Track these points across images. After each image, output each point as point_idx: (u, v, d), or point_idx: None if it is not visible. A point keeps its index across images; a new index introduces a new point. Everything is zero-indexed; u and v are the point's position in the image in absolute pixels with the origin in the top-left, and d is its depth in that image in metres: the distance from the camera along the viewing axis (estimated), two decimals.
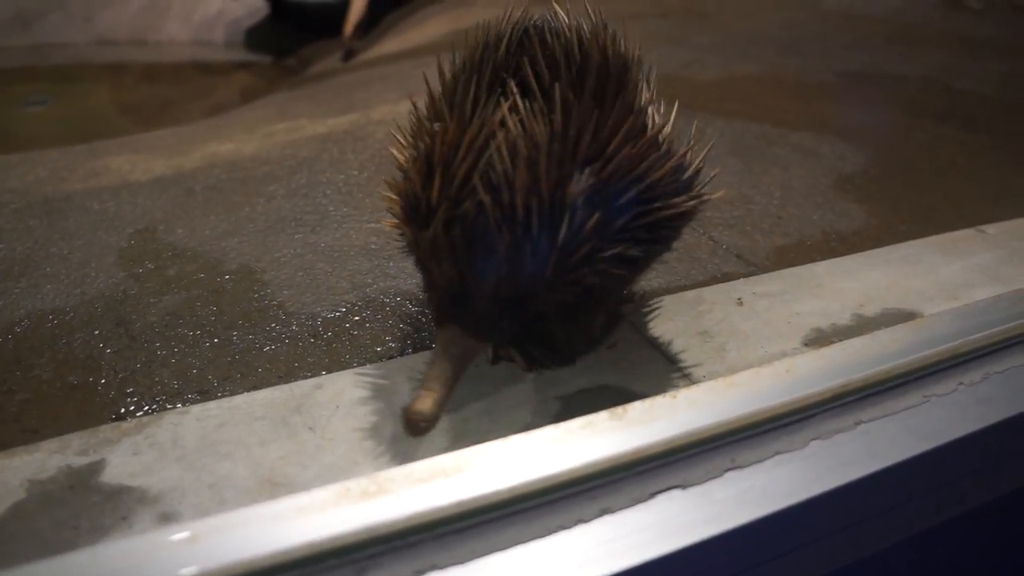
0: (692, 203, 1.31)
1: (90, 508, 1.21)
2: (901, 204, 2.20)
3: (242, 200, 2.22)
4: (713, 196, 1.39)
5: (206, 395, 1.52)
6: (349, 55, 4.47)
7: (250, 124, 3.02)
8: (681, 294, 1.73)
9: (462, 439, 1.29)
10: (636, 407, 1.17)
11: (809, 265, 1.86)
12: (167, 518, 1.18)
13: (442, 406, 1.08)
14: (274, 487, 1.23)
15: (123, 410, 1.48)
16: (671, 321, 1.62)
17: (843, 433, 1.13)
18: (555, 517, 1.01)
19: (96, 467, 1.30)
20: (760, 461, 1.08)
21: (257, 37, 5.01)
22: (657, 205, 1.22)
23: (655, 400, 1.16)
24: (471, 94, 1.18)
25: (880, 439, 1.13)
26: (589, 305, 1.42)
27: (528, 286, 1.13)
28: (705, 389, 1.19)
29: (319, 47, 4.81)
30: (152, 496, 1.23)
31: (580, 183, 1.11)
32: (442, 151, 1.15)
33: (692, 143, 1.38)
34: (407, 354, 1.58)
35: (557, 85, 1.14)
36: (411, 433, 1.06)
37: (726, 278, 1.82)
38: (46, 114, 4.32)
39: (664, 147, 1.27)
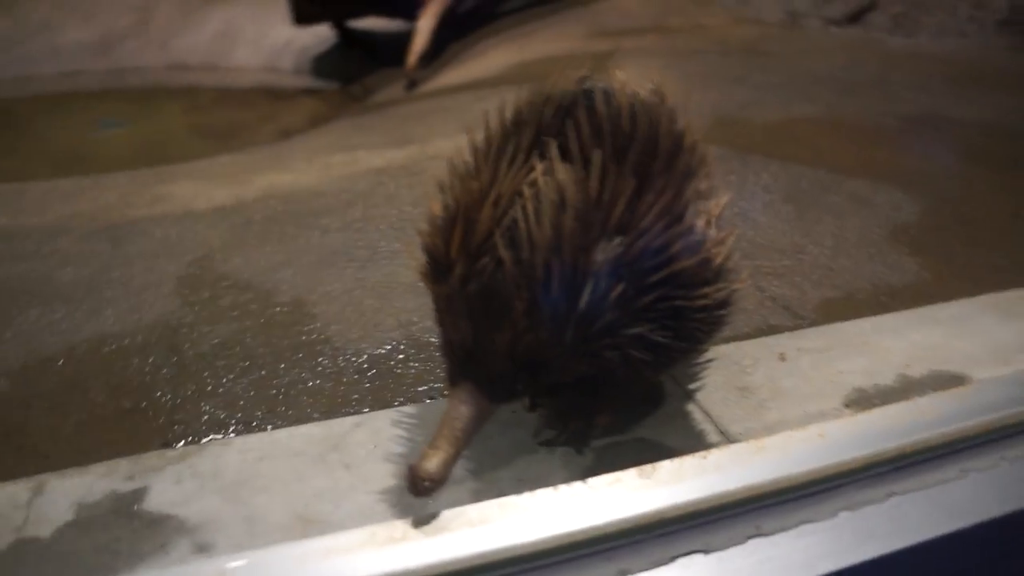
0: (717, 295, 1.26)
1: (131, 534, 1.26)
2: (956, 259, 2.16)
3: (297, 232, 2.28)
4: (736, 286, 1.35)
5: (250, 427, 1.56)
6: (412, 84, 4.56)
7: (310, 154, 3.10)
8: (724, 347, 1.73)
9: (493, 485, 1.30)
10: (665, 466, 1.17)
11: (856, 321, 1.83)
12: (202, 549, 1.22)
13: (449, 467, 1.07)
14: (306, 524, 1.26)
15: (170, 437, 1.53)
16: (712, 374, 1.62)
17: (873, 505, 1.12)
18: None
19: (140, 494, 1.35)
20: (785, 530, 1.07)
21: (325, 64, 5.13)
22: (680, 292, 1.19)
23: (684, 460, 1.17)
24: (509, 152, 1.20)
25: (911, 514, 1.11)
26: (611, 389, 1.39)
27: (545, 350, 1.11)
28: (735, 452, 1.19)
29: (384, 75, 4.91)
30: (190, 526, 1.27)
31: (607, 251, 1.09)
32: (467, 205, 1.15)
33: (724, 235, 1.34)
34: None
35: (597, 152, 1.14)
36: (414, 493, 1.05)
37: (771, 331, 1.81)
38: (120, 136, 4.49)
39: (698, 236, 1.24)
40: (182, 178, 2.81)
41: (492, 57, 4.77)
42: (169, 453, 1.45)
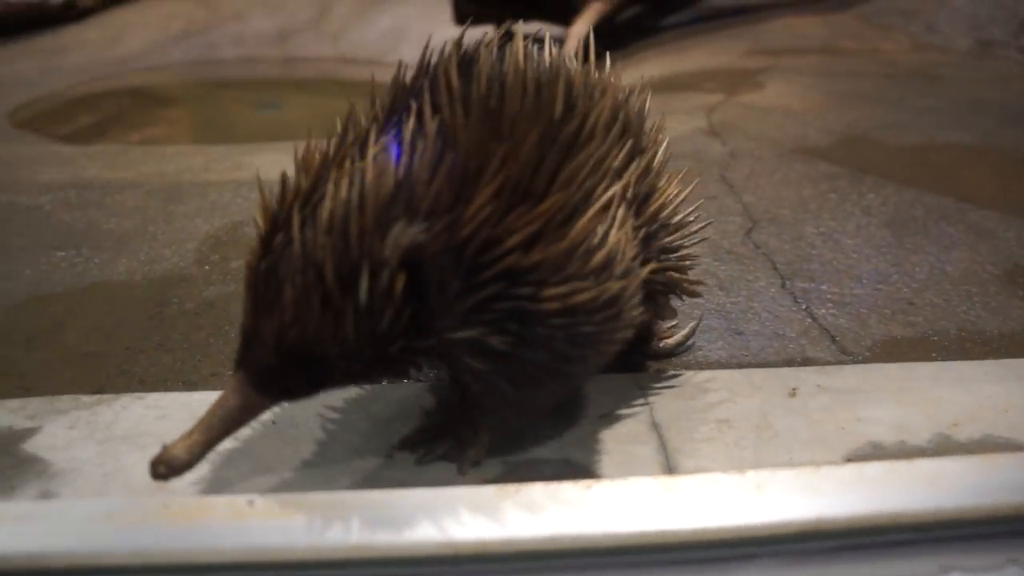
0: (578, 297, 1.01)
1: (8, 468, 1.19)
2: None
3: None
4: (622, 284, 1.08)
5: (192, 386, 1.48)
6: None
7: None
8: (730, 371, 1.46)
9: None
10: (532, 490, 0.96)
11: (912, 364, 1.50)
12: (46, 496, 1.13)
13: (195, 454, 0.94)
14: (159, 489, 1.14)
15: (106, 385, 1.46)
16: (694, 400, 1.36)
17: None
18: None
19: (29, 433, 1.29)
20: None
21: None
22: (524, 291, 0.97)
23: (553, 486, 0.95)
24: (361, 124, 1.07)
25: None
26: (469, 411, 1.17)
27: (314, 346, 0.95)
28: (627, 487, 0.96)
29: None
30: (52, 472, 1.19)
31: (402, 236, 0.92)
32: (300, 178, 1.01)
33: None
34: None
35: (440, 115, 0.99)
36: (152, 476, 0.92)
37: (805, 364, 1.51)
38: (273, 117, 4.67)
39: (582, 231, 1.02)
40: (274, 152, 2.81)
41: (644, 68, 4.53)
42: (84, 399, 1.38)
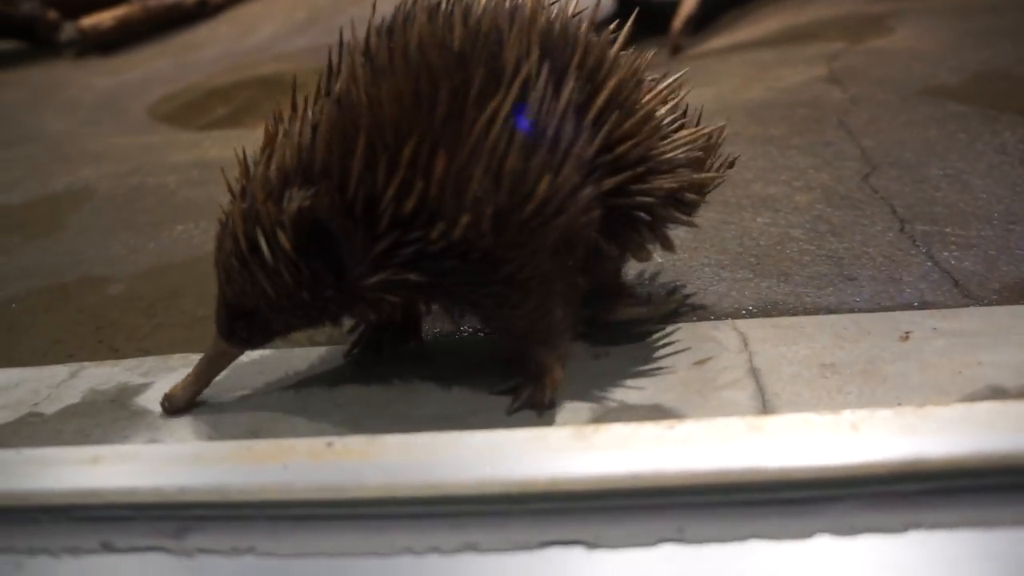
0: (458, 232, 1.06)
1: (110, 422, 1.27)
2: None
3: None
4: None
5: (294, 344, 1.52)
6: (676, 50, 4.31)
7: None
8: (836, 316, 1.38)
9: None
10: (611, 431, 0.94)
11: None
12: (152, 442, 1.19)
13: (188, 396, 1.22)
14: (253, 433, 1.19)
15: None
16: (797, 346, 1.29)
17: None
18: None
19: (142, 388, 1.36)
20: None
21: (602, 31, 5.03)
22: (416, 236, 1.07)
23: (633, 427, 0.93)
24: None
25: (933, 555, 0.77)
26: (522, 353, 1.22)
27: (245, 299, 1.12)
28: (712, 426, 0.92)
29: (654, 42, 4.70)
30: (160, 424, 1.25)
31: (292, 202, 1.06)
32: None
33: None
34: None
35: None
36: (162, 412, 1.22)
37: (922, 308, 1.41)
38: None
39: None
40: None
41: (765, 23, 4.37)
42: (192, 356, 1.44)
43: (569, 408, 1.19)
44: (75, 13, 5.50)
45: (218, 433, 1.20)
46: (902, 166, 1.96)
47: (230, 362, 1.23)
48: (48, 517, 0.88)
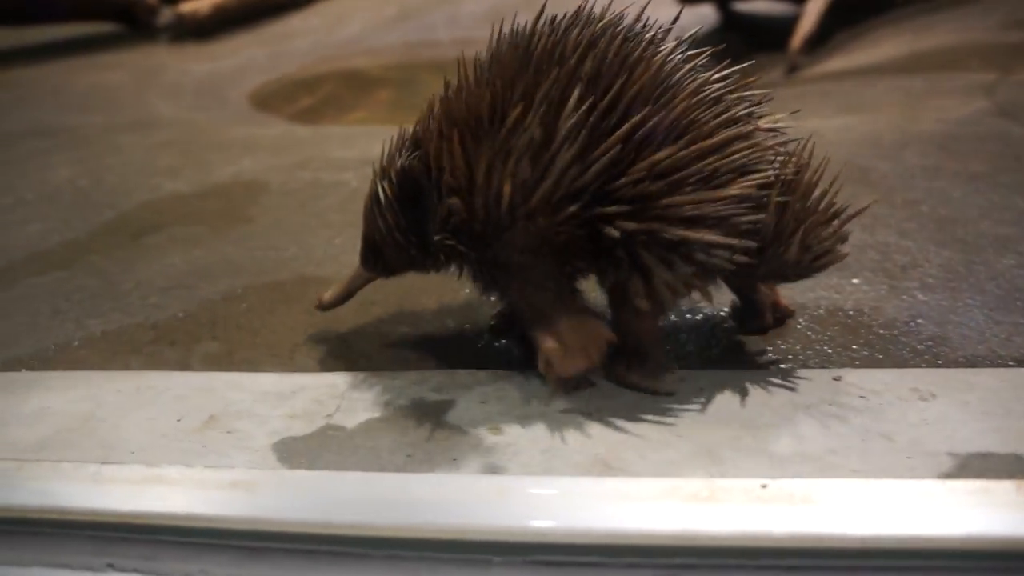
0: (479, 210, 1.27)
1: (426, 442, 1.23)
2: None
3: None
4: None
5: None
6: (793, 69, 4.26)
7: None
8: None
9: (826, 472, 1.09)
10: None
11: None
12: (494, 470, 1.16)
13: (337, 300, 1.49)
14: (604, 467, 1.15)
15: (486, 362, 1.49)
16: None
17: None
18: None
19: (444, 406, 1.32)
20: None
21: (705, 46, 4.98)
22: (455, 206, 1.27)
23: None
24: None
25: None
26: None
27: (375, 239, 1.39)
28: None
29: (762, 59, 4.66)
30: (486, 446, 1.21)
31: (396, 162, 1.31)
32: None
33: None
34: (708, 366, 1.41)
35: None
36: (317, 307, 1.51)
37: None
38: None
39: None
40: None
41: (881, 46, 4.32)
42: (479, 374, 1.41)
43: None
44: None
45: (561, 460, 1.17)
46: None
47: (367, 283, 1.49)
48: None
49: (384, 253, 1.40)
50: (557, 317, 1.31)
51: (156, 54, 5.29)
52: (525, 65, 1.22)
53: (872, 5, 4.75)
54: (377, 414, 1.31)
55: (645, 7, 1.29)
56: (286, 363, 1.53)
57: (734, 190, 1.19)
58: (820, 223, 1.29)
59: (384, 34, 5.86)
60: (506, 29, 1.30)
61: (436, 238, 1.30)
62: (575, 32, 1.22)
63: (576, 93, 1.18)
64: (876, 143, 2.48)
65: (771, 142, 1.25)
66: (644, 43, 1.23)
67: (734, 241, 1.20)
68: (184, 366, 1.54)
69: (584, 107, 1.18)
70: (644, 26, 1.27)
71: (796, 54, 4.30)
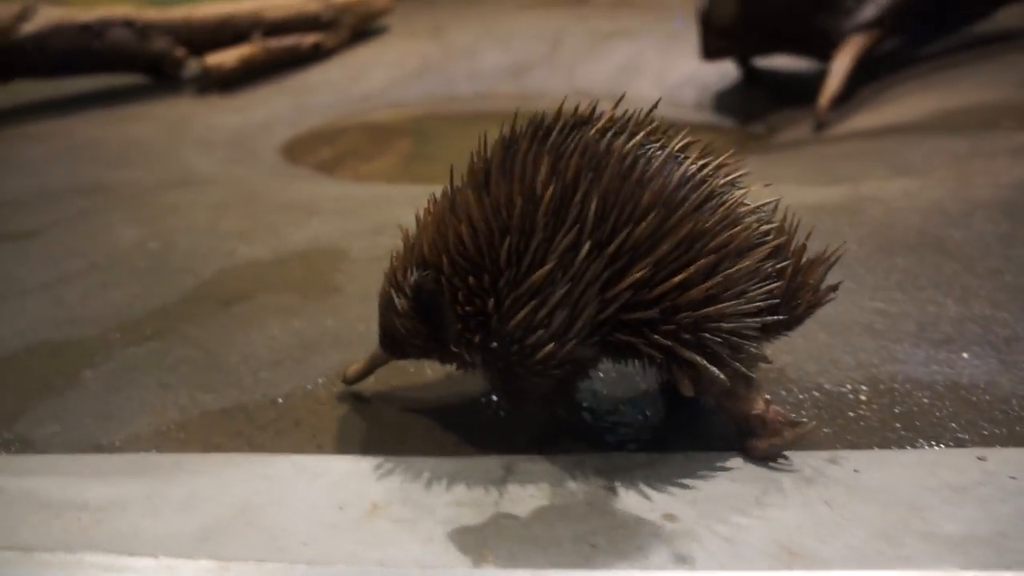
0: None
1: (607, 530, 1.24)
2: None
3: None
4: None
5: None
6: (820, 126, 4.35)
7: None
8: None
9: (1004, 557, 1.12)
10: None
11: None
12: (682, 560, 1.17)
13: (358, 378, 1.67)
14: (792, 556, 1.16)
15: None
16: None
17: None
18: None
19: (612, 491, 1.33)
20: None
21: (726, 101, 5.08)
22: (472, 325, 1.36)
23: None
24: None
25: None
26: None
27: (391, 332, 1.50)
28: None
29: (786, 115, 4.75)
30: (667, 533, 1.22)
31: (410, 278, 1.39)
32: None
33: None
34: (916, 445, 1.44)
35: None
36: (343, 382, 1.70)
37: None
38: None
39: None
40: None
41: (911, 103, 4.41)
42: (636, 457, 1.43)
43: None
44: (198, 50, 5.54)
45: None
46: None
47: (386, 363, 1.62)
48: None
49: (404, 347, 1.51)
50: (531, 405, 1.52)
51: (181, 106, 5.32)
52: (535, 207, 1.29)
53: (892, 61, 4.85)
54: (545, 501, 1.32)
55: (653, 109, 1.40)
56: (423, 444, 1.53)
57: (746, 262, 1.30)
58: (811, 275, 1.41)
59: (406, 88, 5.94)
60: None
61: (457, 342, 1.39)
62: (575, 160, 1.29)
63: (587, 247, 1.27)
64: (942, 210, 2.54)
65: (746, 210, 1.35)
66: (645, 159, 1.31)
67: (751, 307, 1.30)
68: (319, 447, 1.55)
69: (597, 254, 1.28)
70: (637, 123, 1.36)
71: (824, 112, 4.39)
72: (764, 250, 1.32)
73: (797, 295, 1.39)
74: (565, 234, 1.27)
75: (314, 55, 6.04)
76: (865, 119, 4.39)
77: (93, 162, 4.18)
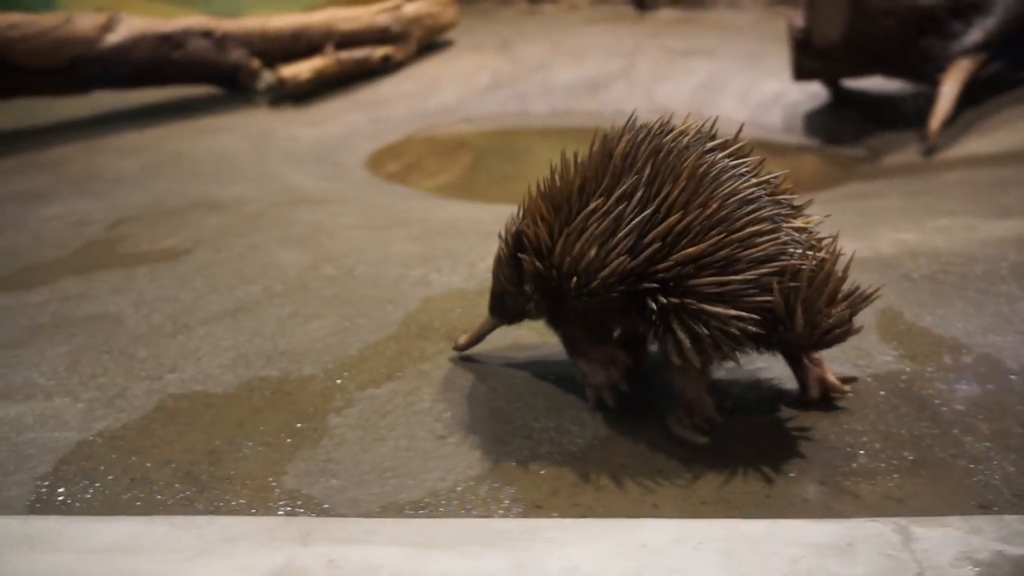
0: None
1: None
2: None
3: (979, 297, 2.14)
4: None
5: None
6: (930, 151, 4.30)
7: (901, 213, 2.96)
8: None
9: None
10: None
11: None
12: None
13: (469, 346, 1.94)
14: None
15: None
16: None
17: None
18: None
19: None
20: None
21: (817, 123, 5.01)
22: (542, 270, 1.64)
23: None
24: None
25: None
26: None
27: (500, 291, 1.79)
28: None
29: (885, 138, 4.69)
30: None
31: (511, 228, 1.72)
32: None
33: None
34: None
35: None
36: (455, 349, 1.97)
37: None
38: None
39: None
40: None
41: (1018, 127, 4.37)
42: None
43: None
44: (269, 62, 5.43)
45: None
46: None
47: (493, 329, 1.89)
48: None
49: (505, 302, 1.79)
50: (590, 349, 1.74)
51: (259, 118, 5.20)
52: (606, 167, 1.55)
53: (996, 83, 4.80)
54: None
55: (715, 122, 1.58)
56: (761, 503, 1.45)
57: (749, 275, 1.44)
58: (826, 305, 1.49)
59: (479, 103, 5.85)
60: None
61: (526, 287, 1.70)
62: (645, 144, 1.53)
63: (638, 195, 1.50)
64: None
65: (797, 238, 1.49)
66: (696, 154, 1.50)
67: (741, 313, 1.44)
68: (653, 509, 1.45)
69: (641, 208, 1.49)
70: (712, 136, 1.55)
71: (935, 136, 4.34)
72: (776, 266, 1.44)
73: (816, 320, 1.48)
74: (616, 186, 1.51)
75: (383, 68, 5.95)
76: (976, 144, 4.35)
77: (194, 177, 4.06)
